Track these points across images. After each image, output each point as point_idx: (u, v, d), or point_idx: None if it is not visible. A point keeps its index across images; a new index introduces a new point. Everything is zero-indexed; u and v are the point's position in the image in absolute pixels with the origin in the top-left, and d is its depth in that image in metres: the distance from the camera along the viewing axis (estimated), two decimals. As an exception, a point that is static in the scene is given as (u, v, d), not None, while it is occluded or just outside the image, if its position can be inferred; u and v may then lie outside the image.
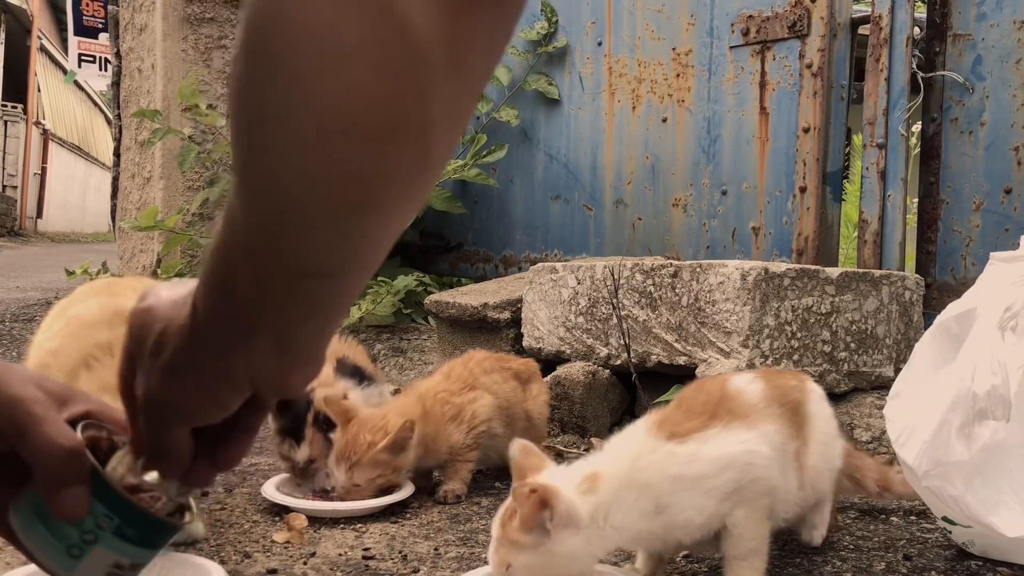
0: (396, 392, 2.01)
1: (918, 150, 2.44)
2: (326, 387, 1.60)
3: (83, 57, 14.05)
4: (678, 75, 2.90)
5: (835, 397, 1.93)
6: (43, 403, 0.62)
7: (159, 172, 4.02)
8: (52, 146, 18.53)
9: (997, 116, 2.28)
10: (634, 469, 1.08)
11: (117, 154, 5.06)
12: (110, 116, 14.47)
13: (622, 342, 2.12)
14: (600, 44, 3.14)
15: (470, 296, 2.69)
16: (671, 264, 2.04)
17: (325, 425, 1.57)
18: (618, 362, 2.15)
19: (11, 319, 4.44)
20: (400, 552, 1.36)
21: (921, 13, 2.42)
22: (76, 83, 18.10)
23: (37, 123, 17.70)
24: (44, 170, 18.26)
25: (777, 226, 2.62)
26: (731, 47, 2.74)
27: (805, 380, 1.33)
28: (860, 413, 1.93)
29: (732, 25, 2.73)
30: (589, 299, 2.22)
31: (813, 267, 1.99)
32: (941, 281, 2.37)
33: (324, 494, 1.58)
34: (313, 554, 1.35)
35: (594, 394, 2.14)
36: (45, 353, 1.37)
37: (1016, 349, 1.26)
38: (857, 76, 2.55)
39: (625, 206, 3.06)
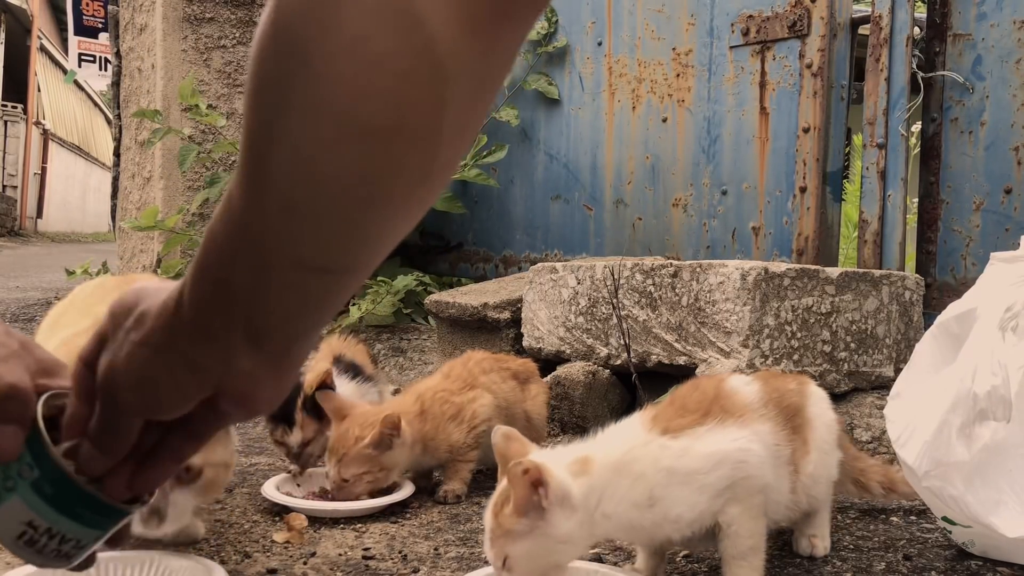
0: (396, 392, 2.01)
1: (918, 150, 2.44)
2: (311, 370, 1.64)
3: (83, 57, 14.04)
4: (678, 75, 2.90)
5: (835, 397, 1.92)
6: (7, 348, 0.64)
7: (159, 172, 4.02)
8: (52, 146, 18.52)
9: (997, 116, 2.28)
10: (626, 458, 1.08)
11: (117, 154, 5.06)
12: (110, 116, 14.45)
13: (622, 342, 2.12)
14: (600, 44, 3.14)
15: (470, 296, 2.69)
16: (671, 264, 2.04)
17: (315, 409, 1.59)
18: (618, 362, 2.15)
19: (11, 319, 4.44)
20: (400, 552, 1.36)
21: (921, 13, 2.42)
22: (76, 83, 18.08)
23: (37, 123, 17.69)
24: (44, 170, 18.25)
25: (777, 226, 2.62)
26: (731, 47, 2.74)
27: (806, 383, 1.33)
28: (860, 413, 1.93)
29: (732, 25, 2.73)
30: (589, 299, 2.22)
31: (813, 267, 1.99)
32: (941, 281, 2.37)
33: (324, 494, 1.59)
34: (313, 554, 1.35)
35: (594, 394, 2.14)
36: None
37: (1016, 349, 1.26)
38: (857, 76, 2.55)
39: (625, 206, 3.06)
